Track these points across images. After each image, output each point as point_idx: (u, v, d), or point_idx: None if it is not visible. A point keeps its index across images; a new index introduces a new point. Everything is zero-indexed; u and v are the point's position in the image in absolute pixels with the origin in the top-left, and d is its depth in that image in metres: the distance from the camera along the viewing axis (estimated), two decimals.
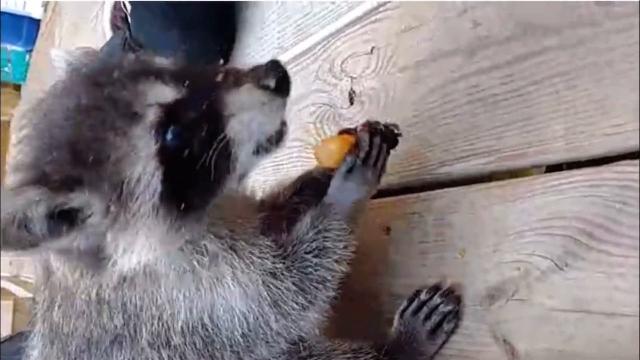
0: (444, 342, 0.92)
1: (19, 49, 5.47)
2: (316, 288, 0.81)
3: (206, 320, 0.75)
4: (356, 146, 0.85)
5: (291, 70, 1.34)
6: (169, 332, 0.73)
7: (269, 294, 0.77)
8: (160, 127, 0.65)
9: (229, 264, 0.75)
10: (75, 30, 3.27)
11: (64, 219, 0.64)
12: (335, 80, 1.23)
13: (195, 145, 0.66)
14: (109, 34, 2.12)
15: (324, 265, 0.82)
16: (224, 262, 0.75)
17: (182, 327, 0.74)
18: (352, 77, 1.19)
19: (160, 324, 0.73)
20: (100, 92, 0.65)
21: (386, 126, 0.89)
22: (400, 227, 1.04)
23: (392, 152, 0.90)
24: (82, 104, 0.65)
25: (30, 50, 5.48)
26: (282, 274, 0.78)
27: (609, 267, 0.73)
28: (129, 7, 1.67)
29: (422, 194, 1.01)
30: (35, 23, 5.23)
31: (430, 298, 0.92)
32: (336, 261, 0.83)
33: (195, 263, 0.74)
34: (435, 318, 0.91)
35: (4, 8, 4.78)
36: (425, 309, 0.92)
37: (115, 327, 0.73)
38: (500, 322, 0.85)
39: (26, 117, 0.70)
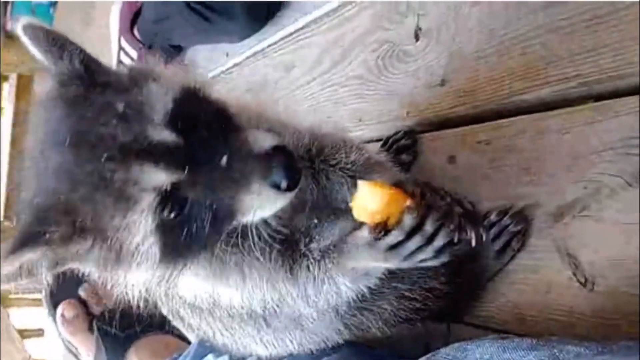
0: (511, 260, 0.98)
1: (44, 1, 5.47)
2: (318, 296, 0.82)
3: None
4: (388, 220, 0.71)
5: (354, 9, 1.40)
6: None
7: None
8: (157, 208, 0.64)
9: None
10: None
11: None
12: (401, 17, 1.27)
13: (194, 223, 0.67)
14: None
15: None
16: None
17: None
18: (418, 14, 1.22)
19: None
20: (92, 166, 0.62)
21: (458, 202, 0.75)
22: (466, 156, 1.09)
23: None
24: (75, 170, 0.63)
25: (55, 3, 5.48)
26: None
27: None
28: None
29: (490, 123, 1.06)
30: None
31: (500, 219, 0.98)
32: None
33: None
34: (504, 238, 0.97)
35: None
36: (494, 229, 0.98)
37: None
38: (566, 238, 0.91)
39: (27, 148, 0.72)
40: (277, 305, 0.82)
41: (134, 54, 2.24)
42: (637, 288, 0.82)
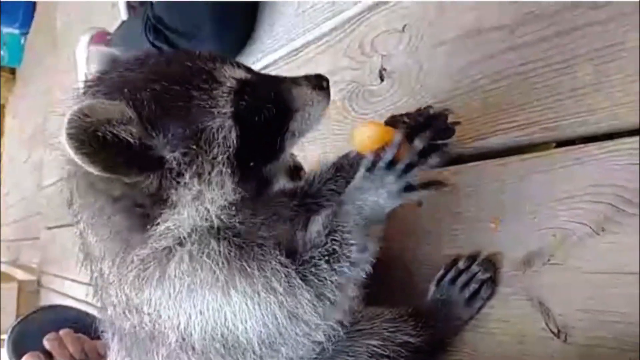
0: (481, 308, 0.96)
1: (15, 31, 5.42)
2: (334, 294, 0.77)
3: (222, 329, 0.74)
4: (384, 146, 0.78)
5: (320, 47, 1.39)
6: (191, 338, 0.74)
7: (285, 308, 0.75)
8: (237, 95, 0.76)
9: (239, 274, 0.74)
10: (80, 12, 3.25)
11: (143, 158, 0.70)
12: (365, 57, 1.25)
13: (263, 117, 0.79)
14: (124, 15, 2.13)
15: (337, 270, 0.77)
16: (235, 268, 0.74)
17: (200, 333, 0.74)
18: (382, 55, 1.21)
19: (180, 330, 0.74)
20: (185, 64, 0.76)
21: (439, 131, 0.83)
22: (433, 199, 1.07)
23: None
24: (169, 68, 0.75)
25: (26, 33, 5.42)
26: (297, 287, 0.75)
27: None
28: None
29: (455, 167, 1.04)
30: (32, 5, 5.17)
31: (468, 267, 0.96)
32: (351, 265, 0.78)
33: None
34: (473, 286, 0.95)
35: None
36: (463, 277, 0.96)
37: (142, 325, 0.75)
38: (536, 286, 0.89)
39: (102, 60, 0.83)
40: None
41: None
42: (612, 340, 0.80)
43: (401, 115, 0.89)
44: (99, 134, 0.65)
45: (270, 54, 1.56)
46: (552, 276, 0.87)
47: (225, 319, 0.73)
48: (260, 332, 0.74)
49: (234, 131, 0.75)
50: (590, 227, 0.83)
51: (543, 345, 0.87)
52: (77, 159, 0.65)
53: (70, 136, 0.64)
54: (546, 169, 0.90)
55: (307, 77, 0.85)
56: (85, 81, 0.82)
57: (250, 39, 1.62)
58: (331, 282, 0.77)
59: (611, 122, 0.82)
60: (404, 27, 1.16)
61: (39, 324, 1.74)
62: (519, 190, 0.93)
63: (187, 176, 0.72)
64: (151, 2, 1.64)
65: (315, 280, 0.76)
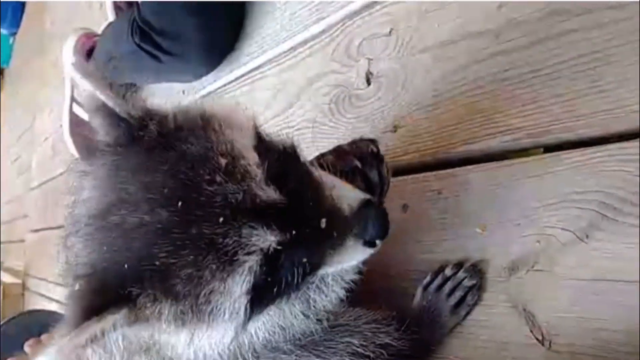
0: (467, 314, 0.95)
1: (3, 31, 5.36)
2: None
3: None
4: None
5: (307, 50, 1.38)
6: None
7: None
8: (258, 269, 0.62)
9: None
10: (68, 12, 3.22)
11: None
12: (352, 61, 1.25)
13: (284, 283, 0.65)
14: (111, 16, 2.10)
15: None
16: None
17: None
18: (369, 59, 1.20)
19: None
20: (201, 228, 0.58)
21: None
22: (418, 204, 1.07)
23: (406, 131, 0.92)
24: (175, 232, 0.58)
25: (14, 34, 5.37)
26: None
27: (630, 238, 0.77)
28: None
29: (441, 172, 1.03)
30: (21, 5, 5.12)
31: (455, 273, 0.95)
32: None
33: None
34: (459, 293, 0.94)
35: None
36: (449, 284, 0.95)
37: None
38: (520, 293, 0.89)
39: (85, 199, 0.65)
40: None
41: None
42: (596, 348, 0.79)
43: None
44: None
45: (256, 58, 1.54)
46: (536, 283, 0.87)
47: None
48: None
49: (244, 307, 0.63)
50: (575, 234, 0.83)
51: (528, 352, 0.87)
52: None
53: None
54: (532, 175, 0.89)
55: (361, 223, 0.66)
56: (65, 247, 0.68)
57: (237, 42, 1.61)
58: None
59: (596, 128, 0.82)
60: (390, 31, 1.15)
61: (19, 328, 1.71)
62: (505, 196, 0.93)
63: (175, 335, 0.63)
64: (137, 4, 1.63)
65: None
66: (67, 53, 2.26)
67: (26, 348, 1.52)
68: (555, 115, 0.87)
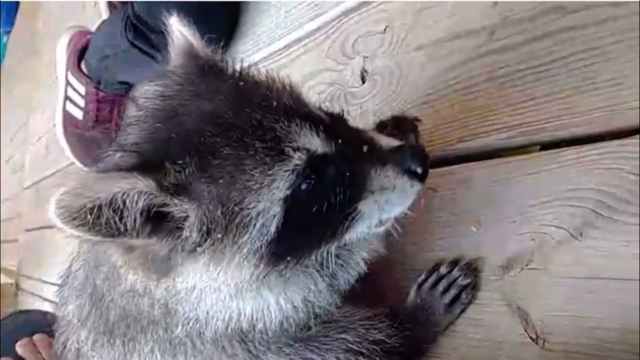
0: (461, 313, 0.95)
1: None
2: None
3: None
4: None
5: (302, 48, 1.37)
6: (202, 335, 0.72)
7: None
8: (301, 175, 0.62)
9: None
10: (62, 11, 3.20)
11: (158, 220, 0.59)
12: (347, 59, 1.24)
13: (324, 204, 0.64)
14: (105, 13, 2.09)
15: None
16: None
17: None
18: (364, 56, 1.20)
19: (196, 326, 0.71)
20: (251, 113, 0.61)
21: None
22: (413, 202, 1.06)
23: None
24: (227, 116, 0.61)
25: (8, 32, 5.34)
26: None
27: (625, 236, 0.76)
28: None
29: (437, 170, 1.03)
30: (15, 4, 5.10)
31: (450, 272, 0.95)
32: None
33: None
34: (453, 291, 0.94)
35: None
36: (444, 282, 0.95)
37: (153, 315, 0.71)
38: (515, 291, 0.88)
39: (149, 97, 0.67)
40: None
41: (81, 89, 2.16)
42: (590, 347, 0.79)
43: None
44: (95, 212, 0.54)
45: (251, 55, 1.54)
46: (531, 281, 0.87)
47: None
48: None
49: (277, 219, 0.62)
50: (569, 232, 0.83)
51: (522, 350, 0.86)
52: (69, 231, 0.55)
53: (59, 216, 0.54)
54: (527, 173, 0.89)
55: (400, 153, 0.67)
56: (128, 124, 0.68)
57: (232, 40, 1.60)
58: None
59: (592, 126, 0.82)
60: (385, 29, 1.15)
61: (11, 329, 1.70)
62: (500, 194, 0.92)
63: (201, 259, 0.63)
64: (132, 1, 1.62)
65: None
66: (60, 51, 2.24)
67: (18, 348, 1.50)
68: (550, 112, 0.86)
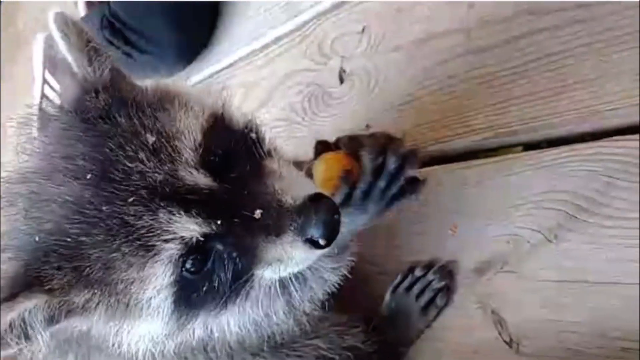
0: (436, 317, 0.93)
1: None
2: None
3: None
4: (349, 172, 0.68)
5: (280, 48, 1.36)
6: None
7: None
8: (180, 260, 0.57)
9: None
10: (42, 12, 3.15)
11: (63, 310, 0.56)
12: (325, 59, 1.23)
13: (215, 280, 0.59)
14: (82, 11, 2.05)
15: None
16: None
17: None
18: (342, 57, 1.19)
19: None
20: (114, 207, 0.54)
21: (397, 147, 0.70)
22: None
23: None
24: (90, 208, 0.54)
25: None
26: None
27: (599, 239, 0.76)
28: None
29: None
30: None
31: (424, 275, 0.93)
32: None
33: None
34: (428, 294, 0.92)
35: None
36: (418, 285, 0.93)
37: None
38: (489, 295, 0.87)
39: (13, 182, 0.60)
40: None
41: (59, 87, 2.11)
42: (564, 351, 0.78)
43: (354, 137, 0.73)
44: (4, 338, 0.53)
45: (229, 55, 1.51)
46: (505, 284, 0.86)
47: None
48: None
49: (169, 300, 0.58)
50: (543, 235, 0.82)
51: (497, 355, 0.85)
52: None
53: None
54: (503, 175, 0.88)
55: (303, 216, 0.56)
56: None
57: (210, 40, 1.58)
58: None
59: (566, 128, 0.81)
60: (363, 29, 1.14)
61: None
62: (477, 195, 0.91)
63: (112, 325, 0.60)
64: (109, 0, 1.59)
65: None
66: (37, 49, 2.20)
67: None
68: (525, 114, 0.86)
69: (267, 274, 0.61)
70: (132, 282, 0.56)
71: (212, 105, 0.65)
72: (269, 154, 0.65)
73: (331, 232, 0.57)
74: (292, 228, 0.56)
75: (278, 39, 1.36)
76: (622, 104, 0.75)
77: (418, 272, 0.94)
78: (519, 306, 0.84)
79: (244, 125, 0.66)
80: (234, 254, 0.58)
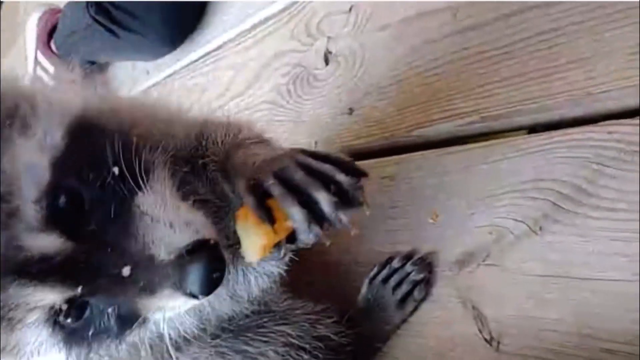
0: (413, 311, 0.88)
1: None
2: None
3: None
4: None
5: (268, 29, 1.30)
6: None
7: None
8: (48, 321, 0.51)
9: None
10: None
11: None
12: (311, 39, 1.18)
13: (96, 331, 0.55)
14: None
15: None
16: None
17: None
18: (328, 37, 1.13)
19: None
20: None
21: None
22: (370, 191, 0.99)
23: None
24: None
25: None
26: None
27: (586, 231, 0.70)
28: None
29: (395, 157, 0.97)
30: None
31: (402, 266, 0.88)
32: None
33: None
34: (405, 286, 0.88)
35: None
36: (396, 277, 0.89)
37: None
38: (470, 288, 0.82)
39: None
40: None
41: (50, 69, 2.08)
42: (545, 351, 0.73)
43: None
44: None
45: (218, 37, 1.47)
46: (487, 278, 0.81)
47: None
48: None
49: (56, 346, 0.54)
50: (528, 225, 0.77)
51: (475, 353, 0.80)
52: None
53: None
54: (488, 161, 0.83)
55: (178, 270, 0.51)
56: None
57: (199, 22, 1.53)
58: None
59: (557, 112, 0.76)
60: (350, 8, 1.09)
61: None
62: (459, 183, 0.86)
63: None
64: None
65: None
66: (30, 29, 2.16)
67: None
68: (512, 97, 0.80)
69: (157, 316, 0.55)
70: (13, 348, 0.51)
71: (77, 108, 0.55)
72: (145, 182, 0.55)
73: (211, 287, 0.52)
74: (167, 284, 0.51)
75: (266, 20, 1.31)
76: (614, 85, 0.70)
77: (396, 264, 0.89)
78: (500, 301, 0.78)
79: (117, 144, 0.54)
80: (107, 312, 0.53)
